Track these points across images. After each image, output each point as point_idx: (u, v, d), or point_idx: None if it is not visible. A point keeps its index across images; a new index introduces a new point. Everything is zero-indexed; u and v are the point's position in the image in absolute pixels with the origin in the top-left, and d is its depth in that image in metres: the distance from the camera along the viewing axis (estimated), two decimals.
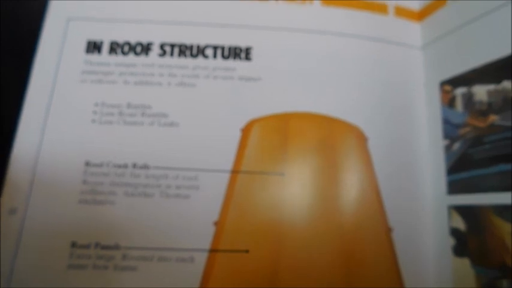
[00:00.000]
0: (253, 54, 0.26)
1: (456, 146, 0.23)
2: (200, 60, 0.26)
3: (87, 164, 0.23)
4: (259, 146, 0.24)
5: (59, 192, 0.23)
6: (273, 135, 0.24)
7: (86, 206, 0.23)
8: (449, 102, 0.24)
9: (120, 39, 0.26)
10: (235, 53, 0.26)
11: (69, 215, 0.23)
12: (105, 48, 0.26)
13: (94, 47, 0.26)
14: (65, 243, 0.22)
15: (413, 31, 0.28)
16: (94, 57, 0.25)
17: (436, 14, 0.27)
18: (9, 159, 0.23)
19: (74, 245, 0.22)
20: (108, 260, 0.22)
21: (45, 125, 0.24)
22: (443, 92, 0.25)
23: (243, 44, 0.26)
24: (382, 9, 0.28)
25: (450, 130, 0.24)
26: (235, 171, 0.24)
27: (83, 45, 0.26)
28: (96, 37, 0.26)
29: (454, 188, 0.23)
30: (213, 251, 0.22)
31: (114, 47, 0.26)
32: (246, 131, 0.24)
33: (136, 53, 0.26)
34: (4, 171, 0.23)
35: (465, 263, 0.22)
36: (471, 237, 0.22)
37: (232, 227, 0.23)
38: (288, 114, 0.25)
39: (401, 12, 0.28)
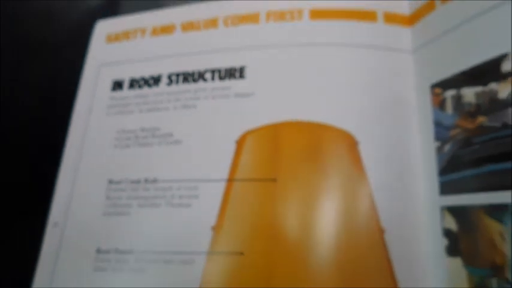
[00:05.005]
0: (247, 72, 0.28)
1: (447, 147, 0.23)
2: (200, 83, 0.29)
3: (110, 182, 0.28)
4: (252, 155, 0.26)
5: (88, 207, 0.27)
6: (265, 144, 0.26)
7: (108, 217, 0.27)
8: (440, 105, 0.24)
9: (137, 76, 0.30)
10: (231, 73, 0.28)
11: (96, 225, 0.27)
12: (126, 84, 0.30)
13: (117, 85, 0.31)
14: (92, 249, 0.26)
15: (404, 36, 0.27)
16: (117, 93, 0.30)
17: (426, 18, 0.26)
18: (57, 180, 0.29)
19: (98, 251, 0.26)
20: (124, 263, 0.25)
21: (82, 152, 0.29)
22: (434, 95, 0.25)
23: (237, 65, 0.29)
24: (370, 16, 0.28)
25: (441, 132, 0.24)
26: (230, 180, 0.26)
27: (109, 85, 0.31)
28: (119, 77, 0.31)
29: (446, 188, 0.23)
30: (210, 253, 0.24)
31: (132, 83, 0.30)
32: (240, 142, 0.26)
33: (149, 85, 0.30)
34: (53, 191, 0.29)
35: (458, 262, 0.21)
36: (463, 237, 0.21)
37: (227, 231, 0.25)
38: (279, 124, 0.26)
39: (390, 18, 0.28)
